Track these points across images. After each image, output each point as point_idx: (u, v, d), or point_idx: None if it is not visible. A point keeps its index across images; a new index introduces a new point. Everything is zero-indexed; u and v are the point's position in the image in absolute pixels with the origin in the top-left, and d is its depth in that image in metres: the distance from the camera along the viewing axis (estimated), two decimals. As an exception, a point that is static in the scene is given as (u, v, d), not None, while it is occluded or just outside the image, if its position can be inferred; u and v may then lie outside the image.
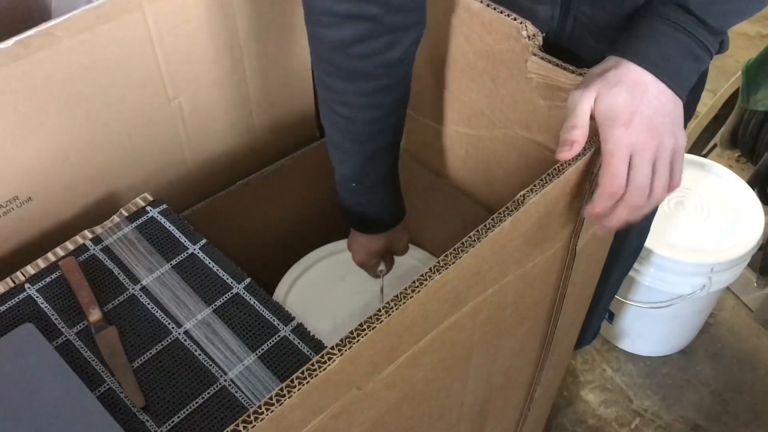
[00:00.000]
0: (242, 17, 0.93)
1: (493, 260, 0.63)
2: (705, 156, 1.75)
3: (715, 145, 1.78)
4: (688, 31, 0.64)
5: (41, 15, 1.03)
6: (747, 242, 1.31)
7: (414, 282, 0.55)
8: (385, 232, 0.93)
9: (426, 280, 0.55)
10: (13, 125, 0.78)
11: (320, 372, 0.49)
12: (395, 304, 0.53)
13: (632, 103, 0.62)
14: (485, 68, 0.87)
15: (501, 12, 0.81)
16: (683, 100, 0.65)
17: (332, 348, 0.51)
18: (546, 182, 0.63)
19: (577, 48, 0.80)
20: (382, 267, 0.98)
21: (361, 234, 0.93)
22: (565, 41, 0.81)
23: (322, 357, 0.50)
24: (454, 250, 0.57)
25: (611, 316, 1.50)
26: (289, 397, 0.48)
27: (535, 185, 0.62)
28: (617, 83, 0.63)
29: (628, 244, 1.11)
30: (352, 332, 0.51)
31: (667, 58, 0.64)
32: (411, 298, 0.54)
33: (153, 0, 0.82)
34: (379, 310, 0.53)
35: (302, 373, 0.49)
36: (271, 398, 0.48)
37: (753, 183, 1.50)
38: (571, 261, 0.77)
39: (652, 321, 1.46)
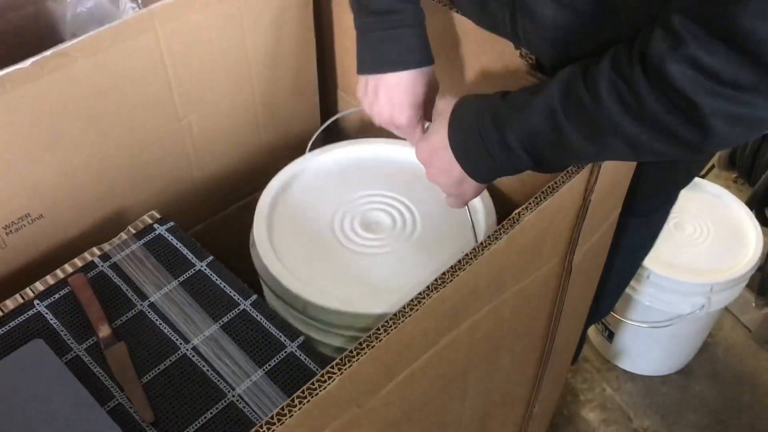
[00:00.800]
0: (252, 38, 0.95)
1: (490, 277, 0.64)
2: (703, 177, 1.76)
3: (713, 166, 1.79)
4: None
5: (52, 36, 1.05)
6: (746, 263, 1.32)
7: (412, 300, 0.56)
8: (429, 65, 0.77)
9: (424, 298, 0.56)
10: (28, 144, 0.80)
11: (320, 391, 0.50)
12: (393, 323, 0.54)
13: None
14: (481, 85, 0.88)
15: None
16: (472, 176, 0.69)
17: (332, 367, 0.51)
18: (541, 199, 0.64)
19: (537, 53, 0.77)
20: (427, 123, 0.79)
21: (406, 72, 0.75)
22: (525, 46, 0.77)
23: (322, 376, 0.51)
24: (452, 268, 0.59)
25: (611, 335, 1.51)
26: (290, 417, 0.49)
27: (530, 203, 0.64)
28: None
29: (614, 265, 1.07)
30: (351, 351, 0.52)
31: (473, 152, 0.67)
32: (409, 316, 0.55)
33: (165, 22, 0.84)
34: (378, 329, 0.54)
35: (302, 392, 0.50)
36: (272, 417, 0.48)
37: (751, 204, 1.51)
38: (567, 276, 0.78)
39: (652, 340, 1.46)
